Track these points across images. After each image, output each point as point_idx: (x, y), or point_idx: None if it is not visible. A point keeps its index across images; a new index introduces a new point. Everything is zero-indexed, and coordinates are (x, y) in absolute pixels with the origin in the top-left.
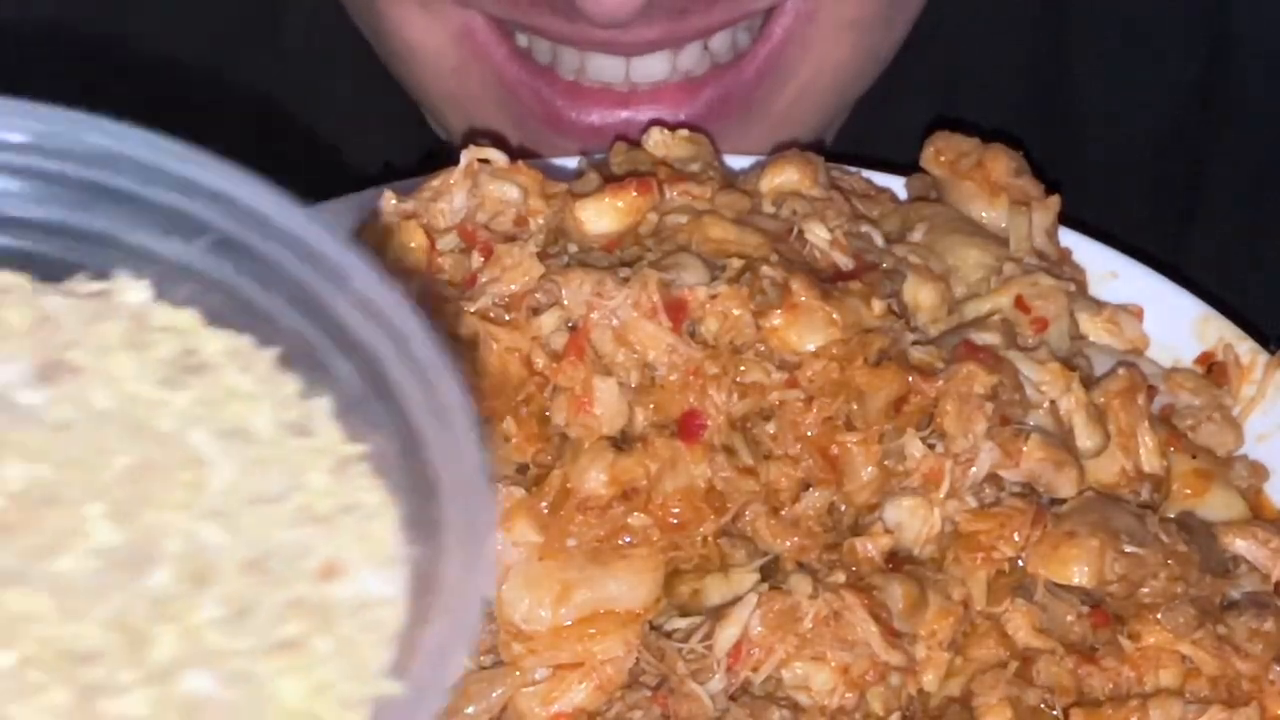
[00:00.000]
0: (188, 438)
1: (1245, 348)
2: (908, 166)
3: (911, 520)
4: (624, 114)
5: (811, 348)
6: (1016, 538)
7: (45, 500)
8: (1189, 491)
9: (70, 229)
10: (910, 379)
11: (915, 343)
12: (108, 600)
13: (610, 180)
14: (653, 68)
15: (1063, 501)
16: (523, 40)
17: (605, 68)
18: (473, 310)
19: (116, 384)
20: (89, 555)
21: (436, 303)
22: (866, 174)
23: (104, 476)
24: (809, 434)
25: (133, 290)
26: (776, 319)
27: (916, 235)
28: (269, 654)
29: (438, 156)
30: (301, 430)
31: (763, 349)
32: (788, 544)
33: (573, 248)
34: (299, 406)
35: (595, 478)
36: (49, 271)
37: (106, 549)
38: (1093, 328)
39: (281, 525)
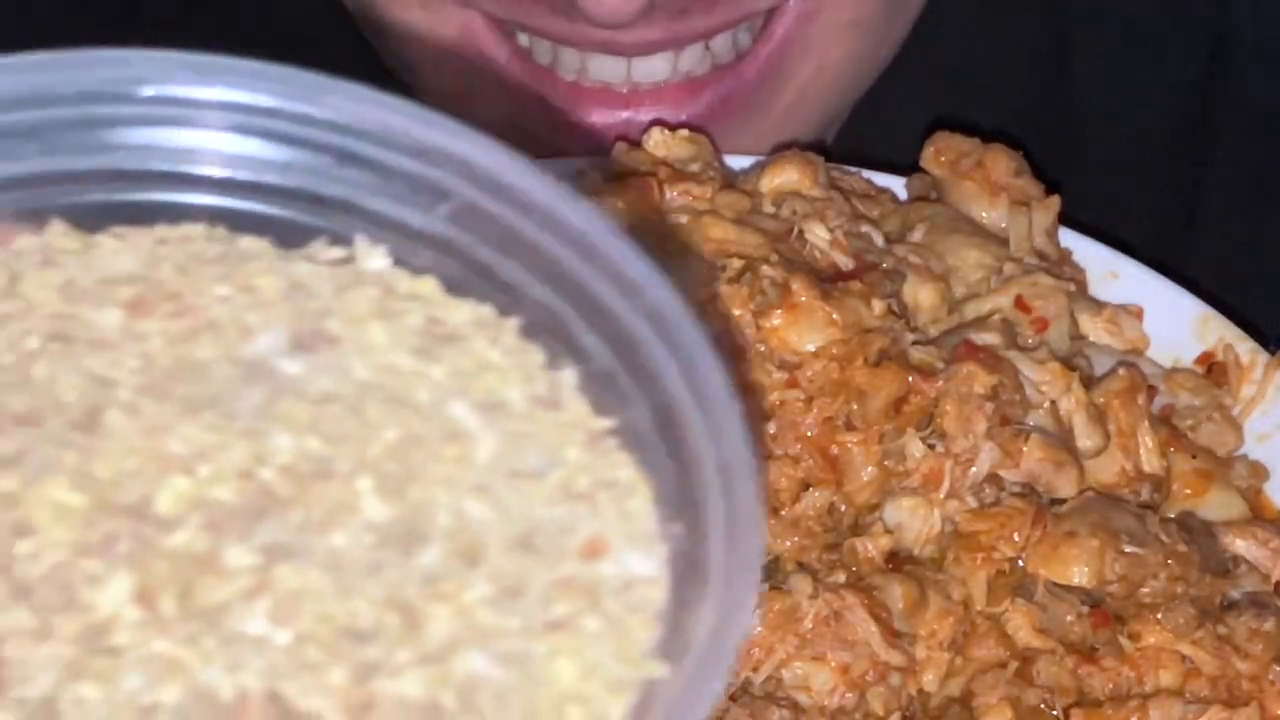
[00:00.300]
0: (447, 410)
1: (1245, 348)
2: (908, 167)
3: (912, 520)
4: (625, 114)
5: (811, 348)
6: (1016, 538)
7: (315, 474)
8: (1189, 491)
9: (310, 194)
10: (910, 379)
11: (915, 343)
12: (381, 577)
13: (610, 180)
14: (654, 68)
15: (1063, 502)
16: (523, 40)
17: (606, 68)
18: None
19: (372, 354)
20: (361, 531)
21: None
22: (867, 174)
23: (371, 450)
24: (809, 434)
25: (373, 257)
26: (776, 319)
27: (916, 235)
28: (541, 634)
29: None
30: (551, 404)
31: (763, 349)
32: (788, 544)
33: None
34: (546, 379)
35: None
36: (288, 236)
37: (378, 524)
38: (1093, 328)
39: (543, 502)
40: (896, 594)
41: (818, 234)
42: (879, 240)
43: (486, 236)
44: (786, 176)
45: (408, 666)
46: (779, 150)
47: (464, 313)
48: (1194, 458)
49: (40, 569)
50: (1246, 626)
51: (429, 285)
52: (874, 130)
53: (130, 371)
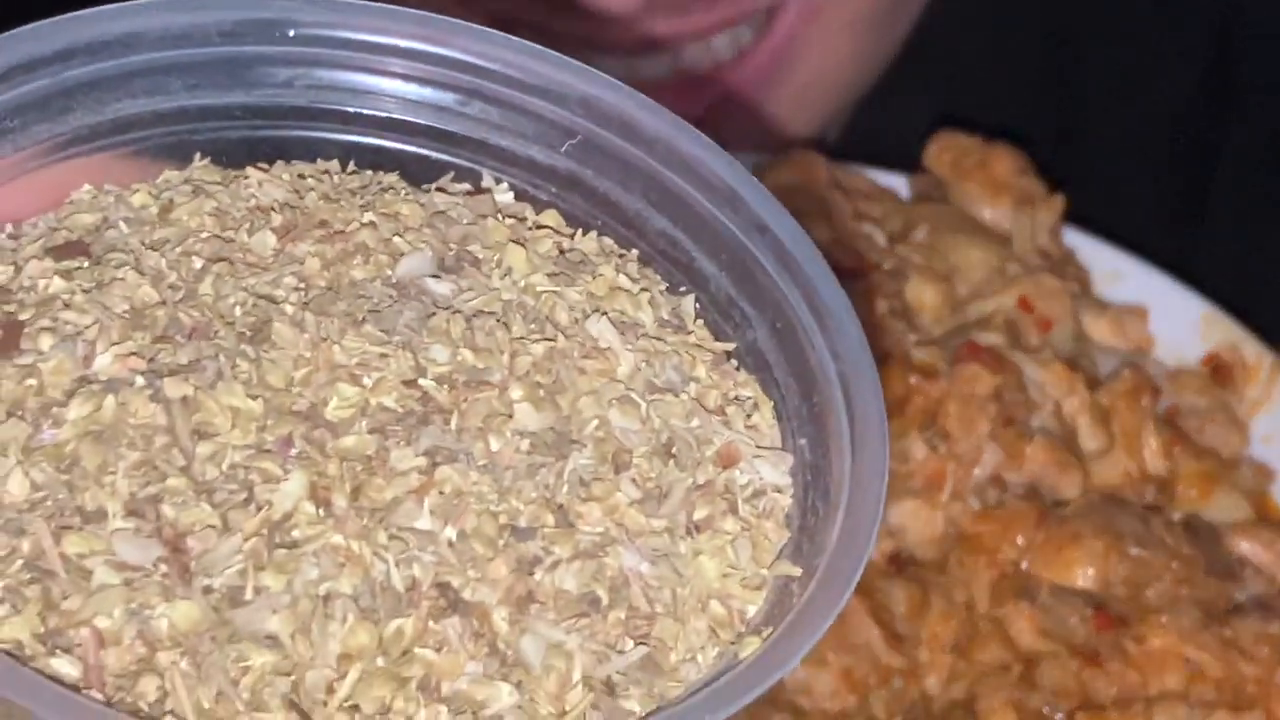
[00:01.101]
0: (589, 328)
1: (1251, 349)
2: (911, 166)
3: (914, 522)
4: None
5: None
6: (1020, 540)
7: (470, 384)
8: (1194, 493)
9: (440, 131)
10: (913, 380)
11: (918, 343)
12: (536, 479)
13: None
14: (654, 67)
15: (1067, 503)
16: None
17: (606, 66)
18: None
19: (512, 275)
20: (516, 436)
21: None
22: (869, 173)
23: (521, 362)
24: None
25: (498, 191)
26: None
27: (919, 235)
28: (684, 534)
29: None
30: (677, 326)
31: None
32: None
33: None
34: (670, 303)
35: None
36: (418, 171)
37: (531, 431)
38: (1097, 328)
39: (680, 415)
40: (899, 597)
41: (820, 233)
42: (881, 240)
43: (608, 170)
44: (788, 175)
45: (564, 561)
46: (781, 149)
47: (589, 243)
48: (1199, 459)
49: (220, 468)
50: (1252, 629)
51: (553, 216)
52: (877, 129)
53: (290, 289)
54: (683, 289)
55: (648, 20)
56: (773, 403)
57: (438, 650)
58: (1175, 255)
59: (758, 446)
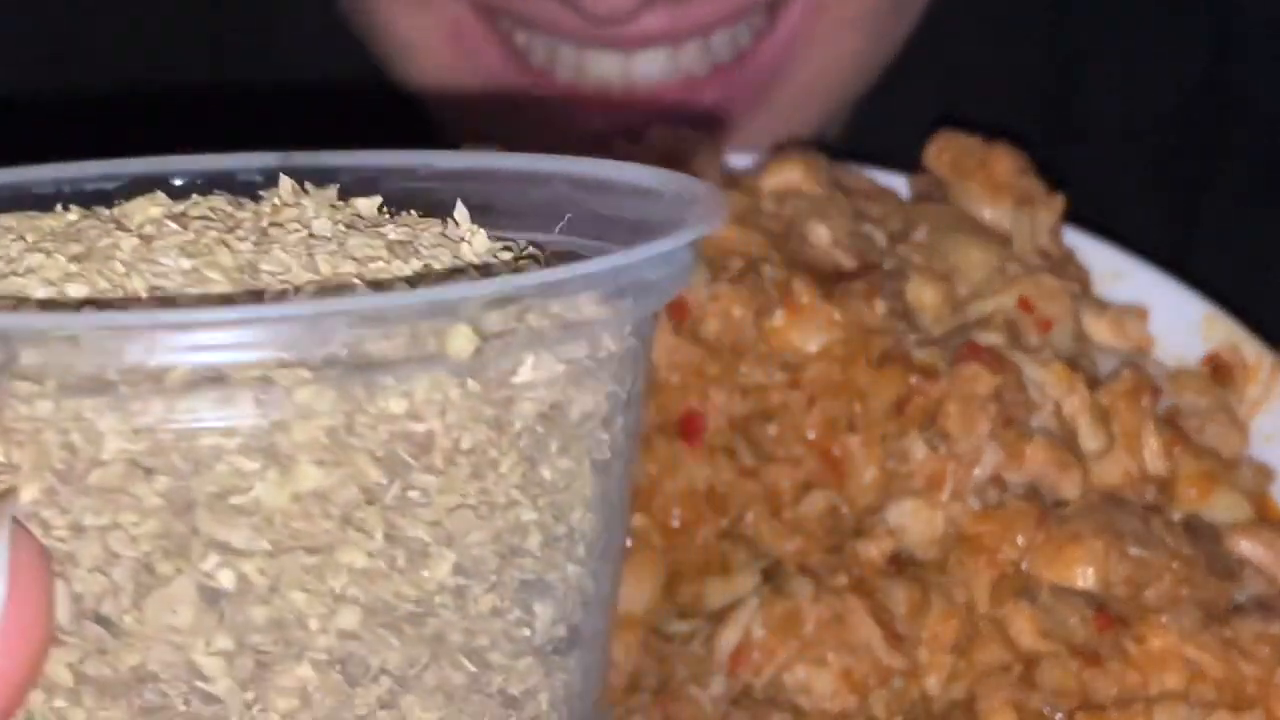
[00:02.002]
0: None
1: (1251, 348)
2: (911, 165)
3: (914, 522)
4: (624, 117)
5: (813, 348)
6: (1020, 540)
7: None
8: (1194, 493)
9: None
10: (913, 380)
11: (918, 343)
12: None
13: None
14: (653, 67)
15: (1067, 503)
16: (520, 38)
17: (604, 65)
18: None
19: None
20: None
21: None
22: (869, 173)
23: None
24: (811, 435)
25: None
26: (778, 319)
27: (919, 235)
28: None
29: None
30: None
31: (764, 350)
32: (789, 546)
33: None
34: None
35: None
36: None
37: None
38: (1097, 328)
39: None
40: (899, 597)
41: (819, 233)
42: (881, 240)
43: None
44: (788, 175)
45: None
46: (780, 149)
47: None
48: (1199, 459)
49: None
50: (1252, 630)
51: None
52: (877, 128)
53: None
54: None
55: (647, 13)
56: None
57: None
58: (1175, 255)
59: None
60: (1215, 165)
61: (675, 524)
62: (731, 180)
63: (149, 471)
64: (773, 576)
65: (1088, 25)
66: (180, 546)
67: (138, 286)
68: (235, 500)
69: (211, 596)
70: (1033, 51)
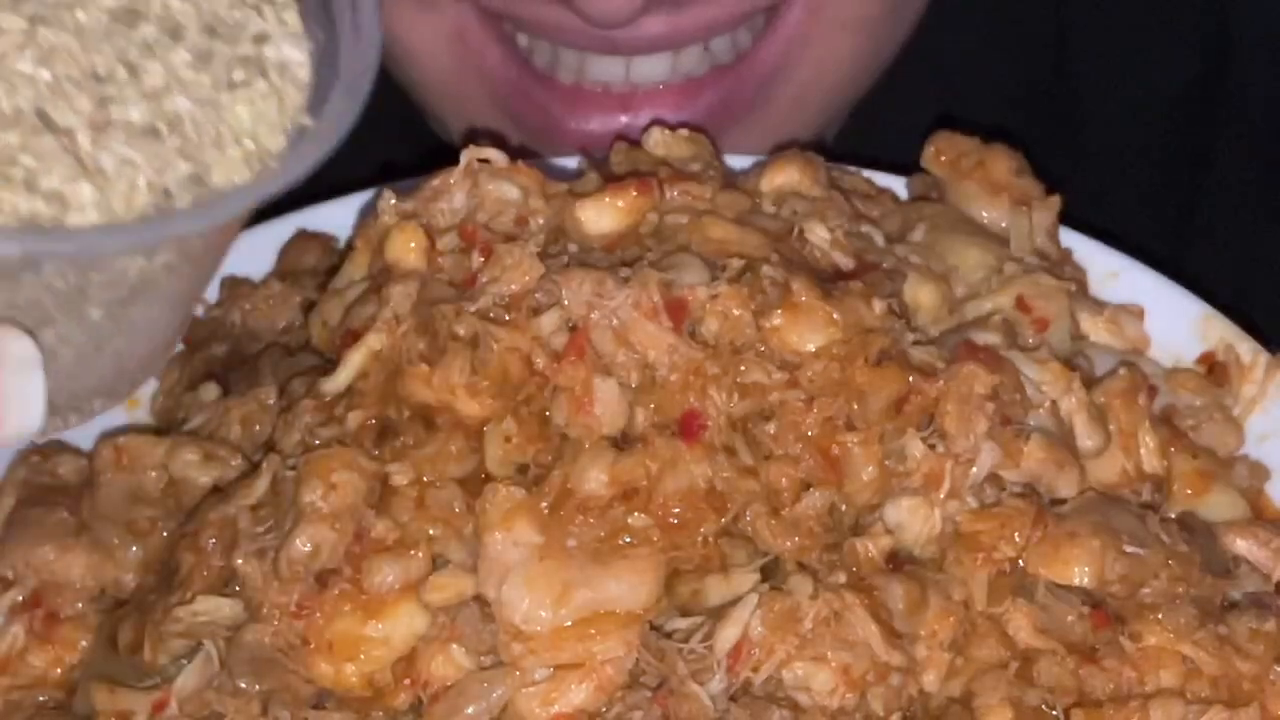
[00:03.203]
0: None
1: (1246, 348)
2: (909, 166)
3: (912, 520)
4: (624, 118)
5: (812, 348)
6: (1017, 538)
7: None
8: (1190, 492)
9: None
10: (911, 379)
11: (916, 343)
12: (112, 42)
13: (610, 180)
14: (653, 68)
15: (1064, 502)
16: (523, 41)
17: (605, 68)
18: (473, 310)
19: None
20: (97, 10)
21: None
22: (867, 174)
23: None
24: (809, 434)
25: None
26: (777, 319)
27: (917, 235)
28: (226, 89)
29: (438, 156)
30: None
31: (763, 349)
32: (788, 544)
33: (573, 247)
34: None
35: (595, 478)
36: None
37: (108, 7)
38: (1094, 328)
39: (226, 6)
40: (897, 594)
41: (818, 234)
42: (879, 240)
43: None
44: (787, 176)
45: (133, 101)
46: (779, 150)
47: None
48: (1195, 458)
49: None
50: (1247, 627)
51: None
52: (875, 130)
53: None
54: None
55: (646, 17)
56: (299, 4)
57: (36, 159)
58: (1171, 255)
59: (285, 33)
60: (1212, 165)
61: (675, 522)
62: (731, 181)
63: None
64: (772, 574)
65: (1085, 27)
66: None
67: None
68: None
69: None
70: (1031, 52)
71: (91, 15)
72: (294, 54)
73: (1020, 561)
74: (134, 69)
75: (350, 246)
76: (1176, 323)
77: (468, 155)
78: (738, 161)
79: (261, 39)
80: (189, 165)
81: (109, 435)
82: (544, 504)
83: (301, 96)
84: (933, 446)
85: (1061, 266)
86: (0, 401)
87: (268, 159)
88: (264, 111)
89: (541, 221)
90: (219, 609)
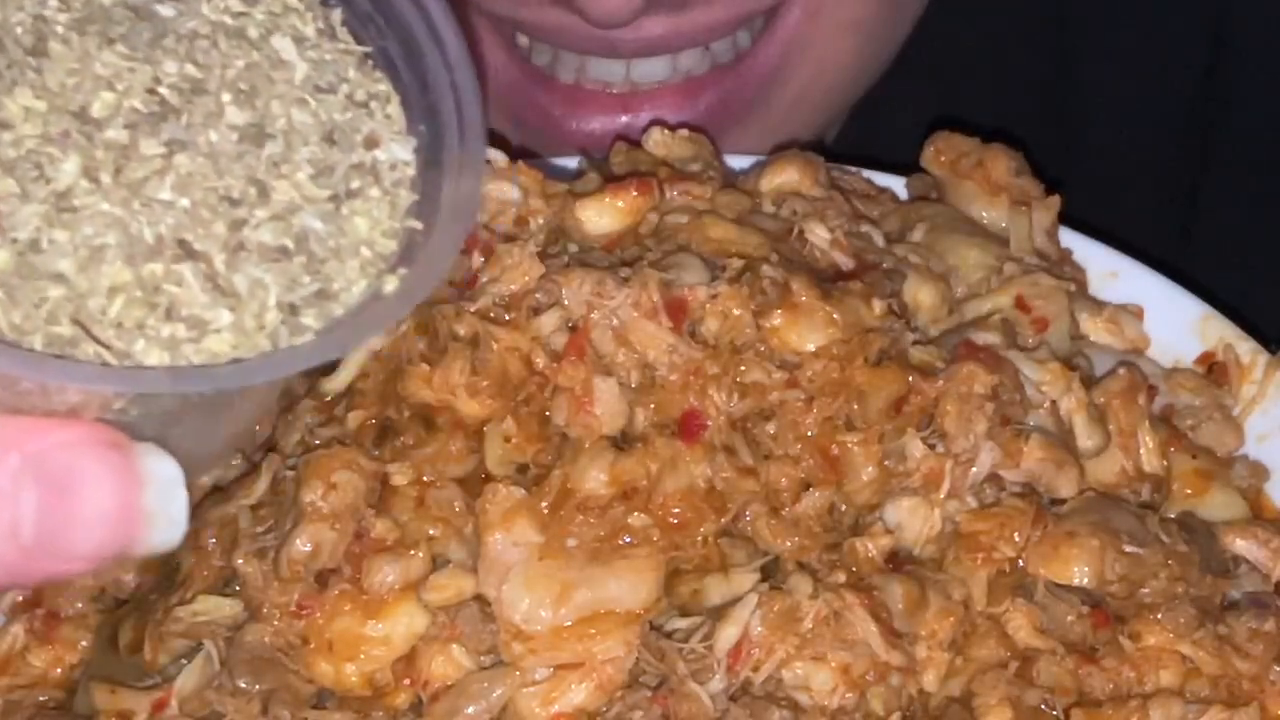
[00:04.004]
0: (273, 43)
1: (1246, 348)
2: (908, 166)
3: (912, 520)
4: (624, 119)
5: (812, 348)
6: (1017, 538)
7: (195, 91)
8: (1189, 491)
9: None
10: (910, 379)
11: (915, 342)
12: (243, 162)
13: (610, 180)
14: (653, 68)
15: (1063, 501)
16: (523, 40)
17: (606, 67)
18: (473, 310)
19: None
20: (228, 130)
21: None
22: (867, 174)
23: (229, 73)
24: (809, 434)
25: None
26: (777, 319)
27: (917, 235)
28: (345, 200)
29: None
30: (330, 34)
31: (763, 349)
32: (788, 544)
33: (573, 247)
34: (323, 15)
35: (595, 478)
36: None
37: (238, 126)
38: (1093, 328)
39: (338, 109)
40: (897, 594)
41: (818, 234)
42: (879, 240)
43: None
44: (787, 176)
45: (264, 222)
46: (779, 150)
47: None
48: (1194, 458)
49: (18, 152)
50: (1247, 626)
51: None
52: (874, 130)
53: (57, 12)
54: (330, 2)
55: (646, 18)
56: (399, 96)
57: (178, 285)
58: (1170, 255)
59: (391, 131)
60: (1211, 165)
61: (675, 522)
62: (731, 181)
63: None
64: (772, 574)
65: (1085, 27)
66: None
67: None
68: None
69: None
70: (1030, 53)
71: (222, 135)
72: (402, 154)
73: (1020, 561)
74: (263, 188)
75: None
76: (1176, 323)
77: None
78: (738, 161)
79: (373, 142)
80: (314, 281)
81: None
82: (544, 504)
83: (411, 198)
84: (932, 446)
85: (1061, 266)
86: (147, 519)
87: (383, 267)
88: (379, 219)
89: (541, 221)
90: (219, 609)
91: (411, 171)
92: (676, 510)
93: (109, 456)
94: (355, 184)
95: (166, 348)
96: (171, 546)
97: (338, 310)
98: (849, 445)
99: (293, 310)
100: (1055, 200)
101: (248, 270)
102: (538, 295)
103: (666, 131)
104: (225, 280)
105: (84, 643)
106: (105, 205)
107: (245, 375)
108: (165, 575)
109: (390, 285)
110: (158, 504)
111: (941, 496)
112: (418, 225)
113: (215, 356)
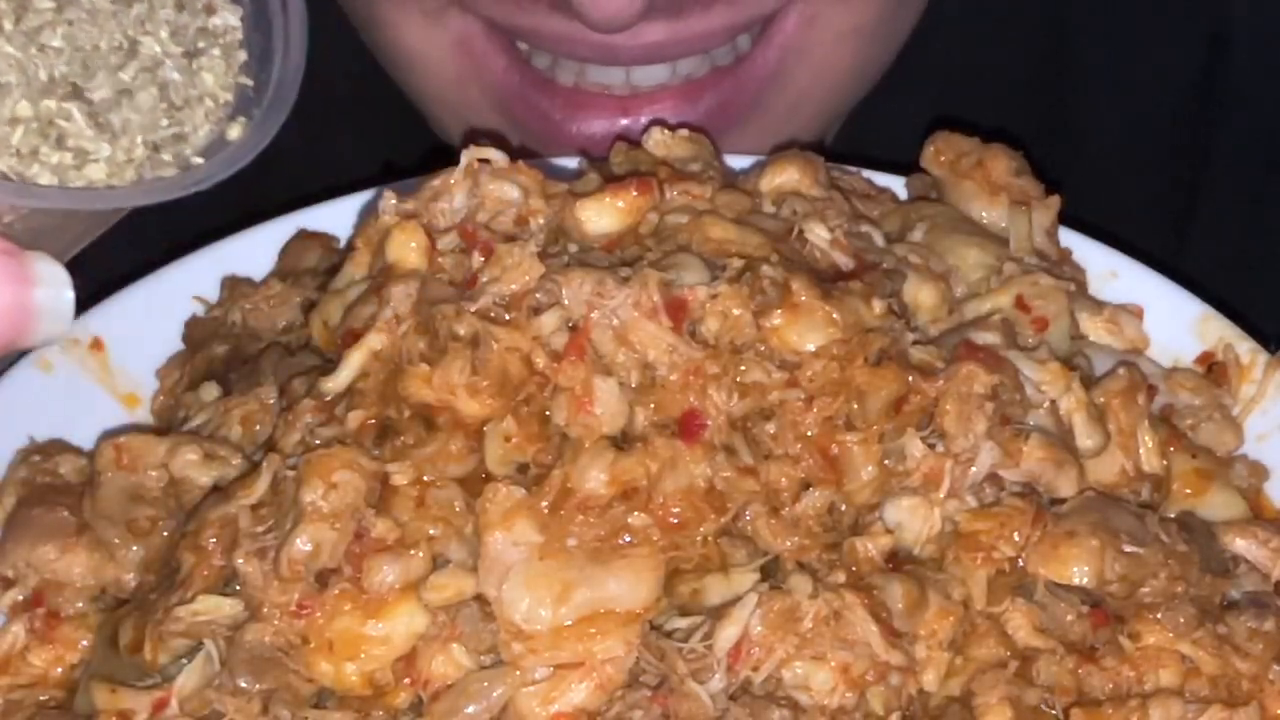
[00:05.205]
0: None
1: (1245, 347)
2: (908, 166)
3: (912, 520)
4: (624, 122)
5: (812, 347)
6: (1016, 537)
7: None
8: (1189, 491)
9: None
10: (910, 379)
11: (915, 342)
12: (117, 20)
13: (611, 180)
14: (653, 70)
15: (1063, 501)
16: (523, 45)
17: (606, 70)
18: (473, 310)
19: None
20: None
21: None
22: (867, 174)
23: None
24: (809, 434)
25: None
26: (777, 319)
27: (917, 235)
28: (195, 55)
29: (438, 156)
30: None
31: (763, 349)
32: (788, 544)
33: (573, 247)
34: None
35: (595, 477)
36: None
37: None
38: (1093, 327)
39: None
40: (896, 593)
41: (818, 234)
42: (879, 240)
43: None
44: (787, 176)
45: (138, 72)
46: (779, 150)
47: None
48: (1194, 457)
49: None
50: (1246, 626)
51: None
52: (874, 130)
53: None
54: None
55: (646, 24)
56: None
57: (67, 120)
58: (1170, 255)
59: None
60: (1210, 165)
61: (675, 521)
62: (731, 181)
63: None
64: (771, 573)
65: (1085, 27)
66: None
67: None
68: None
69: None
70: (1030, 53)
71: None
72: (231, 20)
73: (1019, 561)
74: (134, 43)
75: (351, 246)
76: (1175, 322)
77: (468, 155)
78: (738, 161)
79: (211, 9)
80: (171, 125)
81: (110, 435)
82: (544, 503)
83: (242, 57)
84: (932, 446)
85: (1061, 266)
86: (38, 313)
87: (223, 114)
88: (219, 75)
89: (541, 221)
90: (219, 608)
91: (240, 35)
92: (676, 510)
93: (3, 260)
94: (201, 44)
95: (55, 173)
96: (58, 339)
97: (187, 151)
98: (849, 445)
99: (155, 148)
100: (1055, 200)
101: (122, 111)
102: (538, 295)
103: (666, 131)
104: (104, 119)
105: (84, 642)
106: (9, 48)
107: (123, 198)
108: (165, 575)
109: (234, 132)
110: (47, 301)
111: (941, 496)
112: (249, 81)
113: (92, 183)
